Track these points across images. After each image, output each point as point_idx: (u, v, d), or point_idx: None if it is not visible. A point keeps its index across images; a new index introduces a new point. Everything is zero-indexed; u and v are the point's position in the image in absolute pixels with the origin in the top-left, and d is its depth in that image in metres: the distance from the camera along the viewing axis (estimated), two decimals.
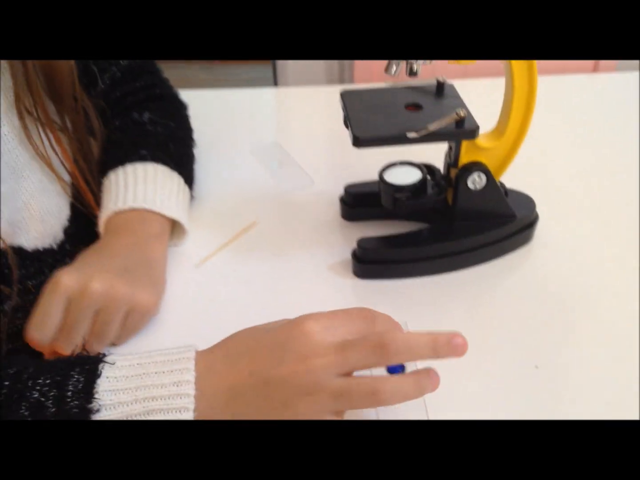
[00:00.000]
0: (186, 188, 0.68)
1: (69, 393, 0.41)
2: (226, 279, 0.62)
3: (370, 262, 0.61)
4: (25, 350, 0.51)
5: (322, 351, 0.42)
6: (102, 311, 0.52)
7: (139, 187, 0.62)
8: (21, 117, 0.55)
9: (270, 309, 0.58)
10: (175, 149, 0.69)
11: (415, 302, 0.59)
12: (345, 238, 0.67)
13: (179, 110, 0.76)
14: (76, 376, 0.42)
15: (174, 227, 0.65)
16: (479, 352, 0.53)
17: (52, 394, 0.41)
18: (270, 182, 0.76)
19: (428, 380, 0.43)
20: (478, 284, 0.61)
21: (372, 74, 1.18)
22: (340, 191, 0.70)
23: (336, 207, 0.70)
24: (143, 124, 0.69)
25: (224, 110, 0.91)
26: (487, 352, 0.54)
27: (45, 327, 0.50)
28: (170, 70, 0.80)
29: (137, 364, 0.43)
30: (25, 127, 0.56)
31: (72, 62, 0.60)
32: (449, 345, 0.42)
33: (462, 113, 0.56)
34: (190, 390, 0.41)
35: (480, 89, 0.80)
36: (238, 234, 0.67)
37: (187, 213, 0.66)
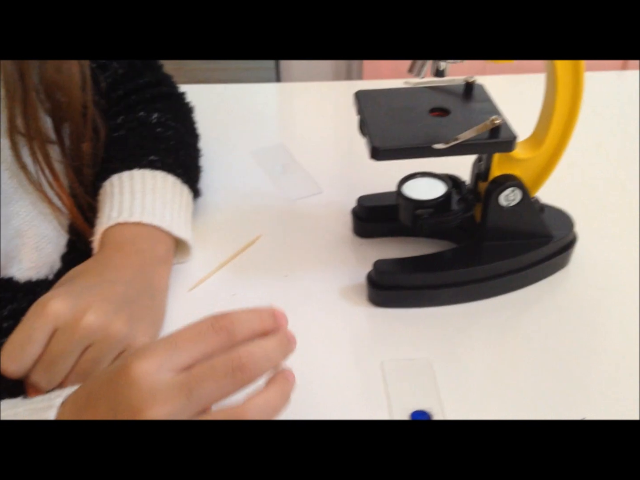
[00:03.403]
0: (192, 204, 0.61)
1: None
2: (223, 305, 0.54)
3: (388, 287, 0.54)
4: (10, 391, 0.44)
5: (160, 398, 0.34)
6: (94, 348, 0.44)
7: (147, 198, 0.55)
8: (12, 139, 0.48)
9: None
10: (185, 158, 0.62)
11: (438, 334, 0.52)
12: (358, 258, 0.59)
13: (187, 113, 0.69)
14: None
15: (176, 247, 0.58)
16: (510, 390, 0.48)
17: None
18: (272, 189, 0.69)
19: (288, 384, 0.38)
20: (509, 313, 0.54)
21: (381, 70, 1.10)
22: (352, 203, 0.62)
23: (347, 220, 0.63)
24: (152, 125, 0.62)
25: (221, 108, 0.83)
26: (520, 390, 0.48)
27: (23, 355, 0.43)
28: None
29: None
30: (16, 150, 0.49)
31: (85, 64, 0.53)
32: (275, 319, 0.38)
33: (497, 120, 0.48)
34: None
35: (503, 86, 0.72)
36: (238, 251, 0.60)
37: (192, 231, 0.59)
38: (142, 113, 0.62)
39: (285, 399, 0.37)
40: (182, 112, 0.67)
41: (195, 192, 0.62)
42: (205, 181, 0.68)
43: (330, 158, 0.75)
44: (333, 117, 0.83)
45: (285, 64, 1.20)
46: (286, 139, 0.78)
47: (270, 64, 1.40)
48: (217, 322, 0.36)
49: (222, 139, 0.77)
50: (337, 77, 1.20)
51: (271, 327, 0.38)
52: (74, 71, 0.52)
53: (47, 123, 0.52)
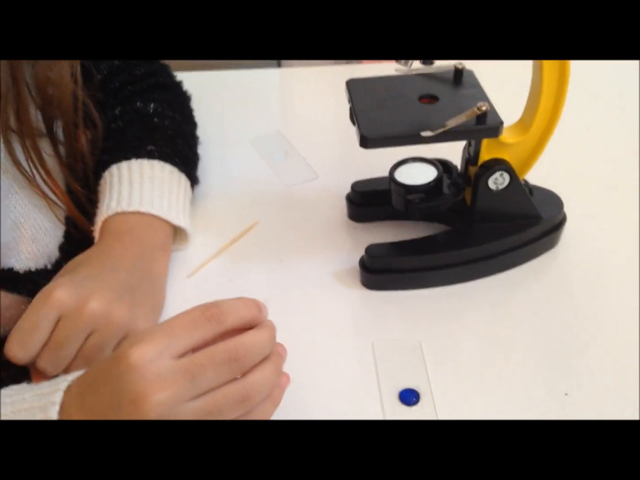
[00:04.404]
0: (190, 192, 0.63)
1: None
2: (221, 290, 0.57)
3: (380, 271, 0.56)
4: (14, 379, 0.46)
5: (163, 384, 0.35)
6: (97, 334, 0.46)
7: (145, 187, 0.56)
8: (5, 136, 0.49)
9: None
10: (183, 147, 0.63)
11: (430, 316, 0.54)
12: (352, 242, 0.61)
13: (184, 102, 0.70)
14: None
15: (175, 234, 0.59)
16: (496, 368, 0.50)
17: None
18: (269, 176, 0.70)
19: (281, 360, 0.41)
20: (499, 293, 0.56)
21: None
22: (347, 188, 0.64)
23: (342, 205, 0.64)
24: (149, 115, 0.63)
25: (220, 95, 0.84)
26: (507, 368, 0.49)
27: (30, 342, 0.45)
28: None
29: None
30: (9, 147, 0.50)
31: (76, 62, 0.54)
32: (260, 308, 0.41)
33: (483, 107, 0.49)
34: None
35: (494, 70, 0.73)
36: (236, 238, 0.62)
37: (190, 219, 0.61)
38: (139, 104, 0.63)
39: (279, 374, 0.40)
40: (179, 102, 0.69)
41: (193, 180, 0.63)
42: (203, 169, 0.69)
43: (327, 143, 0.76)
44: (331, 102, 0.84)
45: None
46: (284, 126, 0.79)
47: None
48: (207, 310, 0.38)
49: (220, 126, 0.78)
50: (337, 60, 1.20)
51: (256, 316, 0.40)
52: (64, 65, 0.52)
53: (39, 119, 0.53)
